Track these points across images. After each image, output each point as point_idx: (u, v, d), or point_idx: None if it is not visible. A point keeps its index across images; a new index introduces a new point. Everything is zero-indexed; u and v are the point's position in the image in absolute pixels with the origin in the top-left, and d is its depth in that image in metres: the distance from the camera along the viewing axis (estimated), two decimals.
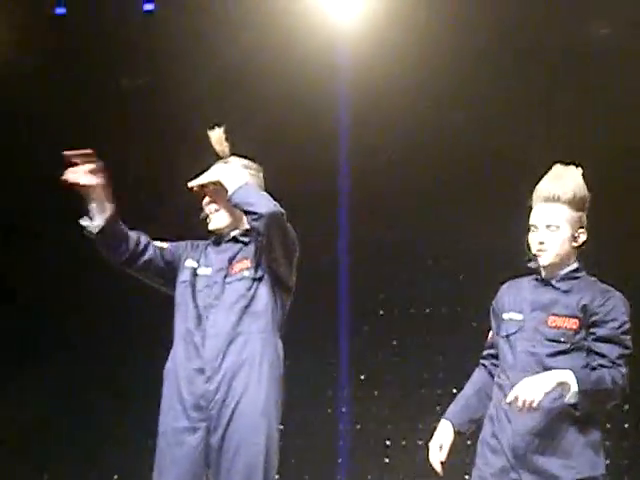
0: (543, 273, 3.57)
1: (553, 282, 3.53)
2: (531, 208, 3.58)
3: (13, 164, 6.71)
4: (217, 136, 3.77)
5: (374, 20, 6.36)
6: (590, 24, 6.38)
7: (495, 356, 3.63)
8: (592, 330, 3.43)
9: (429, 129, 6.53)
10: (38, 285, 6.76)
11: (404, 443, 6.56)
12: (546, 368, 3.38)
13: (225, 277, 3.64)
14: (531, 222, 3.54)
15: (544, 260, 3.51)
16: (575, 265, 3.56)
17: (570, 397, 3.29)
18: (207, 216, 3.75)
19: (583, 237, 3.55)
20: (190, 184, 3.71)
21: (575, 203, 3.51)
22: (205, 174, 3.72)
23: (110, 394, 6.59)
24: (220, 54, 6.32)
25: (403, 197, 6.67)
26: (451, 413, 3.61)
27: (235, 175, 3.63)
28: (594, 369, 3.38)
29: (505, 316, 3.58)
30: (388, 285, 6.86)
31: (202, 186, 3.71)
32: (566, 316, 3.46)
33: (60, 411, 6.66)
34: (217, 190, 3.67)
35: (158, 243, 3.77)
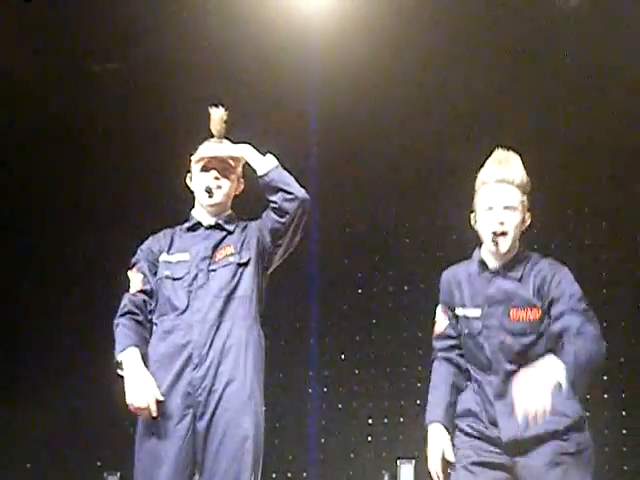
0: (492, 261, 3.46)
1: (505, 271, 3.44)
2: (473, 192, 3.49)
3: None
4: (219, 115, 3.70)
5: (346, 16, 6.32)
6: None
7: (457, 346, 3.54)
8: (551, 312, 3.35)
9: (399, 121, 6.59)
10: None
11: (386, 421, 6.60)
12: (518, 363, 3.33)
13: (209, 265, 3.60)
14: (486, 203, 3.42)
15: (504, 246, 3.39)
16: (518, 247, 3.47)
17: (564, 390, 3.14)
18: (210, 189, 3.68)
19: (528, 221, 3.48)
20: (208, 154, 3.62)
21: (524, 186, 3.45)
22: (226, 147, 3.64)
23: None
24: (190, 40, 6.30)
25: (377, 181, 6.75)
26: (438, 415, 3.45)
27: (259, 155, 3.62)
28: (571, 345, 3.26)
29: (460, 312, 3.50)
30: (363, 263, 6.90)
31: (212, 159, 3.65)
32: (526, 306, 3.38)
33: None
34: (226, 167, 3.66)
35: (139, 296, 3.62)
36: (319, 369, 6.80)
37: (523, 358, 3.34)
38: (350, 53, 6.19)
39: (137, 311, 3.58)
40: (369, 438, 6.63)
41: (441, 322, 3.60)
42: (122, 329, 3.52)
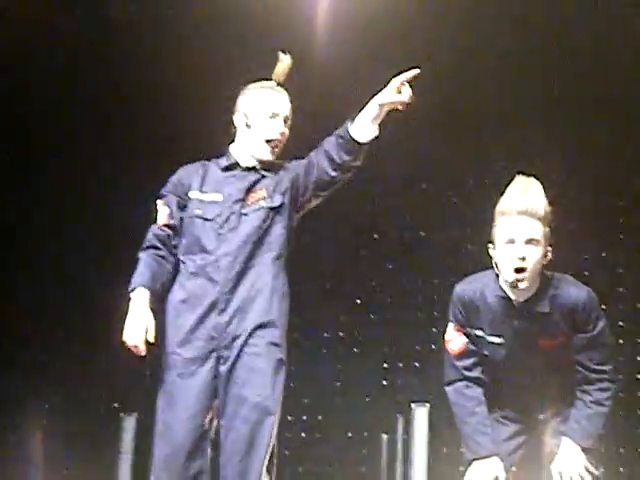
0: (514, 295, 3.38)
1: (530, 306, 3.37)
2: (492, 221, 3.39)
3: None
4: (287, 63, 3.67)
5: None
6: None
7: (479, 363, 3.50)
8: (575, 339, 3.39)
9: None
10: None
11: (401, 365, 6.63)
12: (545, 383, 3.44)
13: (241, 208, 3.56)
14: (507, 235, 3.31)
15: (523, 283, 3.29)
16: (539, 280, 3.39)
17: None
18: (276, 145, 3.63)
19: (549, 255, 3.38)
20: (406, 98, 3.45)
21: (546, 218, 3.34)
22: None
23: None
24: None
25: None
26: (494, 446, 3.44)
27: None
28: (582, 400, 3.40)
29: (479, 333, 3.45)
30: (382, 210, 6.88)
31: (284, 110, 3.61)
32: (556, 335, 3.38)
33: None
34: (289, 120, 3.63)
35: (164, 230, 3.62)
36: (335, 313, 6.81)
37: (551, 380, 3.47)
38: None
39: (160, 246, 3.59)
40: (384, 382, 6.66)
41: (458, 340, 3.51)
42: (140, 266, 3.54)
